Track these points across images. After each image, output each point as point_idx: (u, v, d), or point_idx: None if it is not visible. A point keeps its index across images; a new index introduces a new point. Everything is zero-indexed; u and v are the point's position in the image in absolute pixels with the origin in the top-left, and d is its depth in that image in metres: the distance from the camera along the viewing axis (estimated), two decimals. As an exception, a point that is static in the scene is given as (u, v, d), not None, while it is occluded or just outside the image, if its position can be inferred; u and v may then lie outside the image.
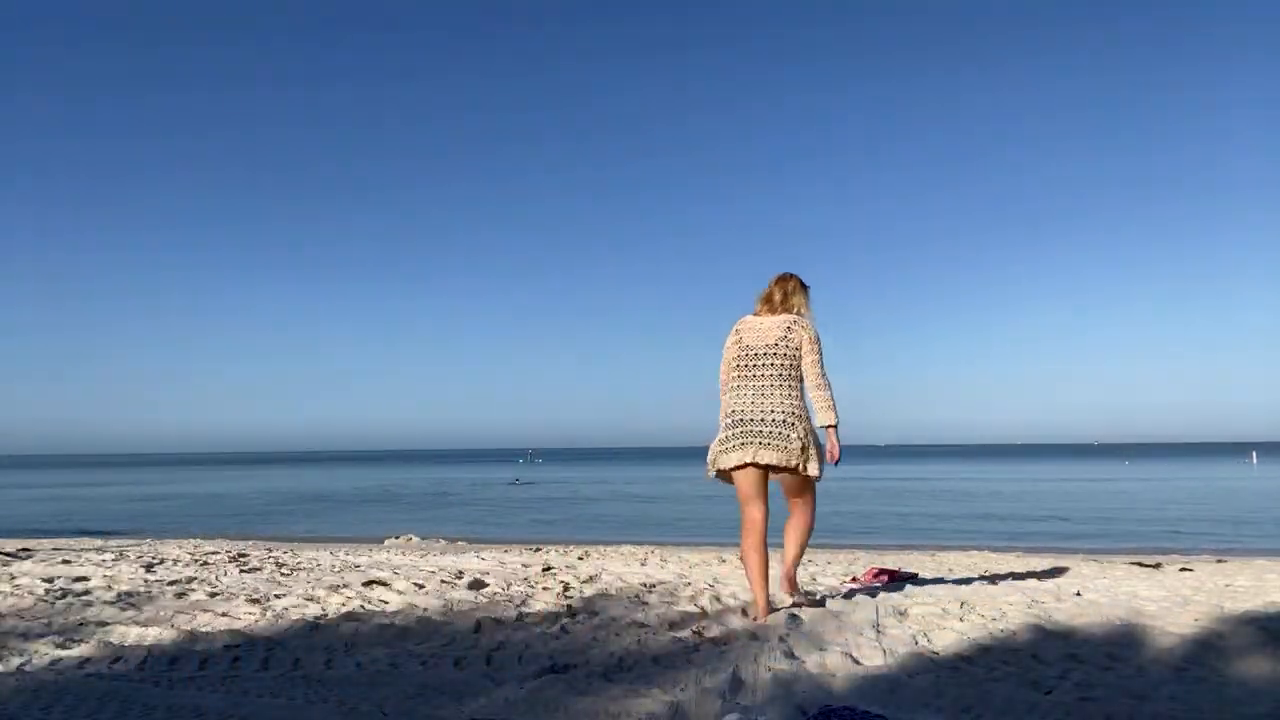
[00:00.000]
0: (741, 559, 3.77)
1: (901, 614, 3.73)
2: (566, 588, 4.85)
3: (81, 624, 3.68)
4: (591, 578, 5.34)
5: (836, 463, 3.79)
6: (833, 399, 3.72)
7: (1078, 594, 4.40)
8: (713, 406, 3.96)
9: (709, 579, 5.28)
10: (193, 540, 10.96)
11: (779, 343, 3.76)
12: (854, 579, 5.43)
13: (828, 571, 6.08)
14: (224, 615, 3.87)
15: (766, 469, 3.74)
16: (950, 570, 6.56)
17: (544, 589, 4.80)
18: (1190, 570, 6.58)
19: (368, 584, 5.00)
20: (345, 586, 4.90)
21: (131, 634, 3.41)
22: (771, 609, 3.66)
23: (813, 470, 3.75)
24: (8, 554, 7.35)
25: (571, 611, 3.94)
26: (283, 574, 5.77)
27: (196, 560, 6.90)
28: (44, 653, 3.06)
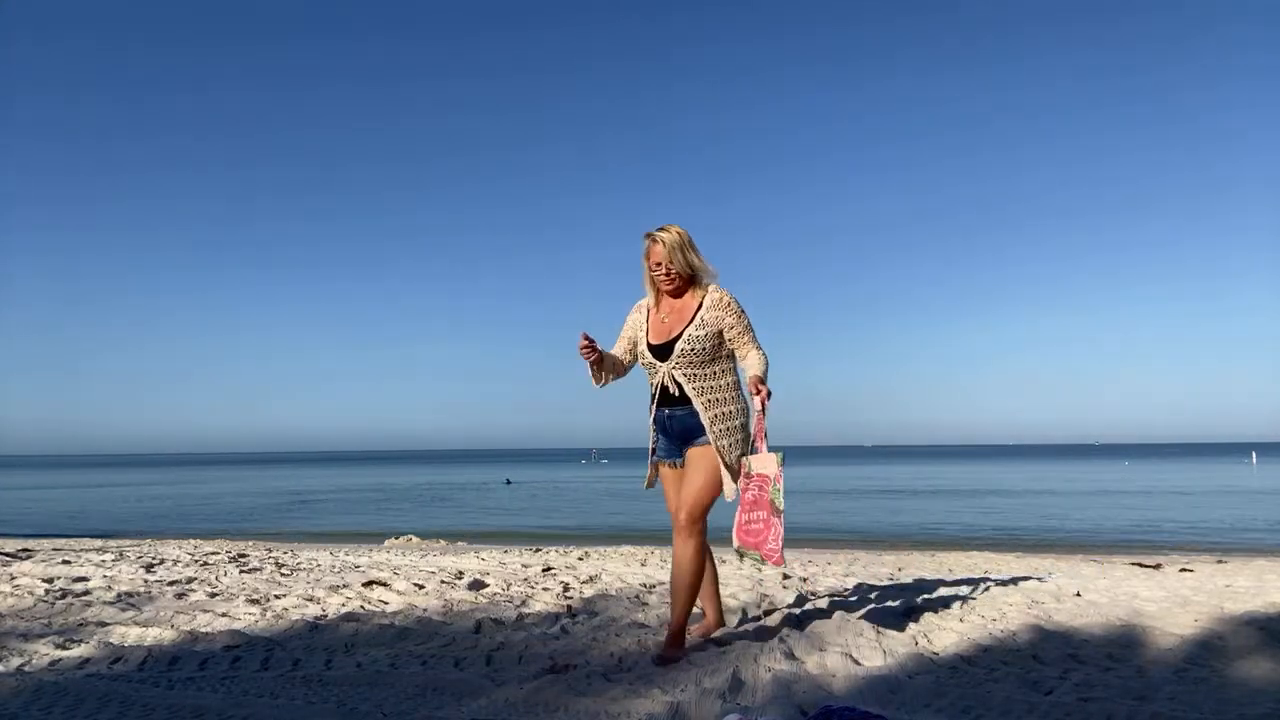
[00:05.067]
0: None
1: (902, 614, 3.73)
2: (566, 588, 4.85)
3: (81, 624, 3.68)
4: (591, 578, 5.34)
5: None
6: None
7: (1078, 594, 4.41)
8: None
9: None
10: (193, 540, 10.96)
11: None
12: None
13: (828, 571, 6.08)
14: (224, 615, 3.87)
15: None
16: (950, 570, 6.56)
17: (544, 589, 4.80)
18: (1190, 571, 6.57)
19: (368, 584, 5.00)
20: (345, 587, 4.90)
21: (131, 634, 3.41)
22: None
23: None
24: (8, 554, 7.34)
25: (571, 612, 3.94)
26: (283, 574, 5.77)
27: (196, 560, 6.89)
28: (44, 653, 3.06)
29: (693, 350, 3.07)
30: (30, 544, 9.38)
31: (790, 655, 2.89)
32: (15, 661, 2.95)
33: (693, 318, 3.13)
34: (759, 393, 3.03)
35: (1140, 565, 7.32)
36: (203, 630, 3.48)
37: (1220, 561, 8.12)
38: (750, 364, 3.16)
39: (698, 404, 3.09)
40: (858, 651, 2.92)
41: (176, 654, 3.02)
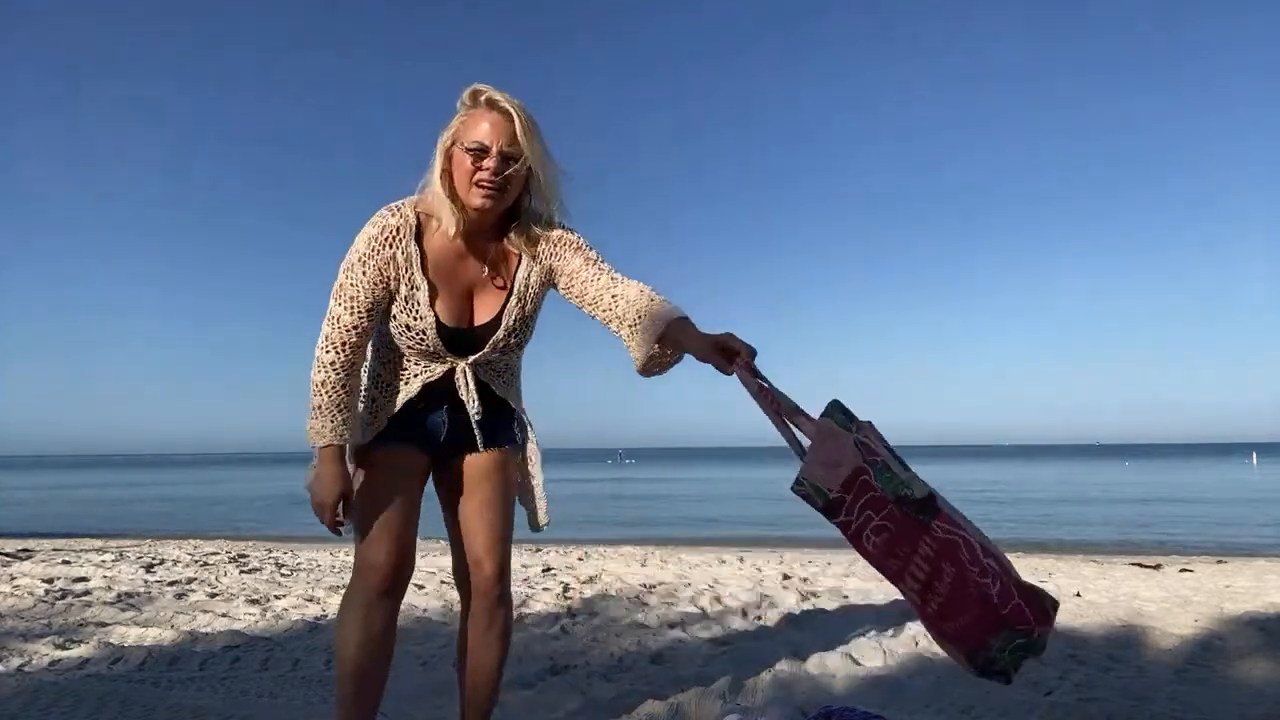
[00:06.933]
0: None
1: (902, 614, 3.73)
2: (566, 588, 4.85)
3: (81, 624, 3.68)
4: (591, 578, 5.34)
5: None
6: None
7: (1078, 595, 4.41)
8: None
9: (709, 580, 5.28)
10: (193, 540, 10.95)
11: None
12: None
13: (828, 572, 6.08)
14: (224, 616, 3.87)
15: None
16: (950, 571, 6.55)
17: (544, 589, 4.80)
18: (1190, 571, 6.58)
19: (368, 584, 5.00)
20: (345, 587, 4.90)
21: (131, 634, 3.41)
22: None
23: None
24: (8, 554, 7.34)
25: (571, 612, 3.94)
26: (283, 574, 5.77)
27: (196, 560, 6.89)
28: (44, 653, 3.06)
29: (519, 344, 1.82)
30: (30, 544, 9.37)
31: (790, 655, 2.89)
32: (15, 661, 2.95)
33: (511, 285, 1.77)
34: (739, 354, 1.60)
35: (1140, 565, 7.32)
36: (203, 630, 3.48)
37: (1220, 562, 8.11)
38: (640, 300, 1.71)
39: (511, 402, 1.88)
40: (858, 652, 2.92)
41: (176, 654, 3.02)
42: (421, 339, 1.73)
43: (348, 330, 1.69)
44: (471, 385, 1.79)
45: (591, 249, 1.80)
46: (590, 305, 1.77)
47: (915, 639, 3.16)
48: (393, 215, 1.69)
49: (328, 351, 1.68)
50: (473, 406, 1.79)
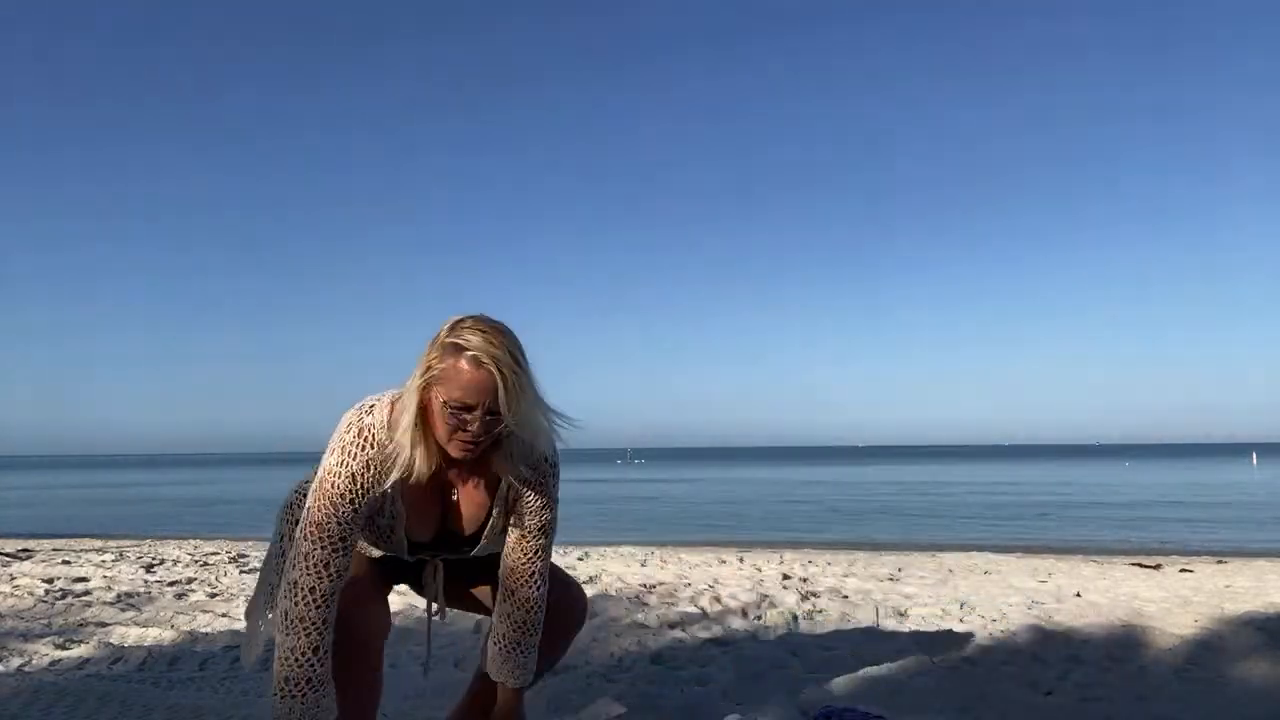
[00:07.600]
0: None
1: (901, 614, 3.73)
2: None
3: (81, 624, 3.68)
4: (591, 578, 5.34)
5: None
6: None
7: (1078, 595, 4.41)
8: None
9: (709, 580, 5.29)
10: (193, 540, 10.95)
11: None
12: None
13: (828, 572, 6.09)
14: (224, 616, 3.87)
15: None
16: (950, 571, 6.56)
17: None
18: (1190, 571, 6.59)
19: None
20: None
21: (131, 634, 3.41)
22: None
23: None
24: (8, 554, 7.35)
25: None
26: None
27: (196, 560, 6.90)
28: (44, 653, 3.06)
29: (494, 545, 1.75)
30: (30, 544, 9.37)
31: (790, 655, 2.89)
32: (15, 661, 2.95)
33: (491, 504, 1.69)
34: None
35: (1140, 565, 7.33)
36: (203, 630, 3.48)
37: (1220, 562, 8.11)
38: (510, 628, 1.71)
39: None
40: (858, 652, 2.92)
41: (176, 654, 3.02)
42: (395, 553, 1.73)
43: (336, 576, 1.50)
44: (440, 579, 1.77)
45: (550, 509, 1.71)
46: (503, 558, 1.73)
47: (915, 639, 3.16)
48: (371, 445, 1.54)
49: (315, 607, 1.47)
50: (437, 608, 1.79)
